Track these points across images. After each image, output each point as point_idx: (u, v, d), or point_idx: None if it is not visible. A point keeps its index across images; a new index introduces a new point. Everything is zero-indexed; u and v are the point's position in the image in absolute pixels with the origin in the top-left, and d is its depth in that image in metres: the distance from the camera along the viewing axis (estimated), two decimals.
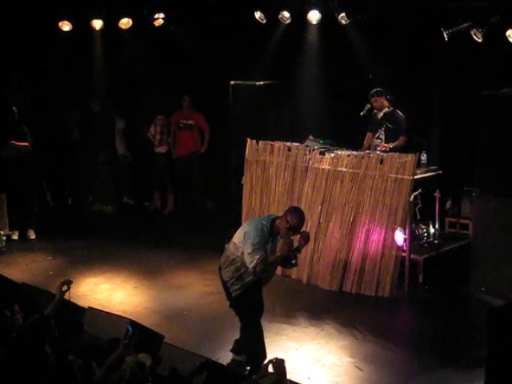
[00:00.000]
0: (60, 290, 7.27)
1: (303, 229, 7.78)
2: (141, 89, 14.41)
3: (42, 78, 14.12)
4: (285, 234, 7.44)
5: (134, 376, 5.89)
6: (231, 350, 7.98)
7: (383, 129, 10.90)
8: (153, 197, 14.40)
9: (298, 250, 7.75)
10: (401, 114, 10.90)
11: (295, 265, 7.86)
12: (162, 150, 14.10)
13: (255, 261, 7.33)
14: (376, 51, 11.97)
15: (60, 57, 13.94)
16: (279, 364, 5.88)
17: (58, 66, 13.98)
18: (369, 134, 11.14)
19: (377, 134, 11.00)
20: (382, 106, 10.94)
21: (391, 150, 10.46)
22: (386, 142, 10.79)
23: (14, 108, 12.18)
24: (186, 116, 13.96)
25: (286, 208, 8.02)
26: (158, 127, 13.99)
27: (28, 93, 13.90)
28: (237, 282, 7.57)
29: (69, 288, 7.30)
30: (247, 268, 7.41)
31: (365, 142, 11.08)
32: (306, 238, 7.65)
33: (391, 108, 10.93)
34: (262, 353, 7.68)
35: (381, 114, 10.98)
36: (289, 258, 7.65)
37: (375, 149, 10.72)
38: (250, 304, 7.66)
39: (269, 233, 7.49)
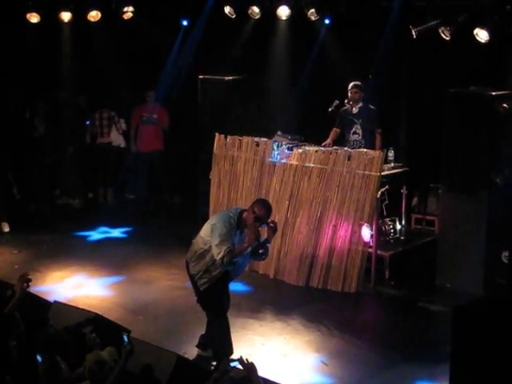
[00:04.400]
0: (21, 287, 7.20)
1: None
2: (109, 82, 14.34)
3: (8, 70, 13.97)
4: (251, 225, 7.44)
5: (92, 375, 5.90)
6: (197, 346, 7.99)
7: (359, 124, 10.88)
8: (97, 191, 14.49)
9: (268, 241, 7.76)
10: (373, 107, 10.93)
11: (264, 254, 7.85)
12: (104, 140, 14.09)
13: (222, 252, 7.32)
14: (345, 48, 12.01)
15: (27, 49, 13.81)
16: (250, 365, 5.88)
17: (25, 58, 13.86)
18: (335, 130, 11.11)
19: (353, 129, 10.90)
20: (358, 100, 10.89)
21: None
22: (363, 137, 10.81)
23: None
24: (150, 110, 13.89)
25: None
26: (106, 121, 13.99)
27: None
28: (204, 275, 7.56)
29: (28, 286, 7.25)
30: (215, 261, 7.41)
31: (330, 138, 11.02)
32: (273, 228, 7.65)
33: (364, 103, 10.92)
34: (229, 348, 7.67)
35: (355, 109, 10.90)
36: (257, 249, 7.67)
37: (352, 144, 10.73)
38: (217, 298, 7.67)
39: (236, 225, 7.50)
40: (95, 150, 14.19)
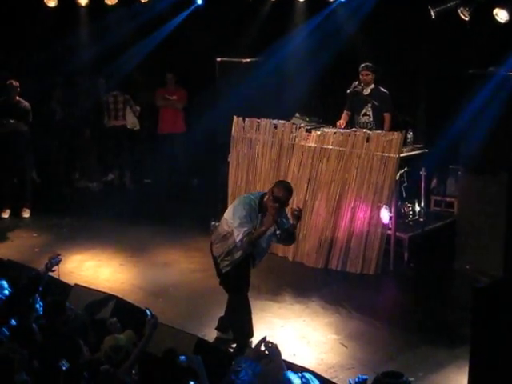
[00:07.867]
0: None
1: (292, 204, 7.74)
2: (127, 65, 14.33)
3: (26, 54, 14.00)
4: (270, 207, 7.40)
5: (109, 360, 5.95)
6: (217, 328, 8.00)
7: (370, 106, 10.86)
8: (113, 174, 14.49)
9: (294, 226, 7.70)
10: (385, 90, 10.91)
11: (288, 239, 7.84)
12: (118, 123, 14.06)
13: (241, 234, 7.33)
14: (363, 28, 11.95)
15: (45, 33, 13.82)
16: (274, 348, 5.90)
17: (42, 42, 13.87)
18: (347, 113, 11.11)
19: (363, 111, 10.94)
20: (370, 82, 10.90)
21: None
22: (373, 119, 10.80)
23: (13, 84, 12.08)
24: (171, 92, 13.93)
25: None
26: (121, 104, 13.96)
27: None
28: (226, 257, 7.57)
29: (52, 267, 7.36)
30: (236, 244, 7.42)
31: (342, 119, 11.01)
32: (297, 216, 7.52)
33: (376, 85, 10.92)
34: (249, 331, 7.70)
35: (367, 91, 10.93)
36: (283, 232, 7.65)
37: (362, 126, 10.72)
38: (239, 281, 7.67)
39: (257, 208, 7.49)
40: (107, 132, 14.18)
